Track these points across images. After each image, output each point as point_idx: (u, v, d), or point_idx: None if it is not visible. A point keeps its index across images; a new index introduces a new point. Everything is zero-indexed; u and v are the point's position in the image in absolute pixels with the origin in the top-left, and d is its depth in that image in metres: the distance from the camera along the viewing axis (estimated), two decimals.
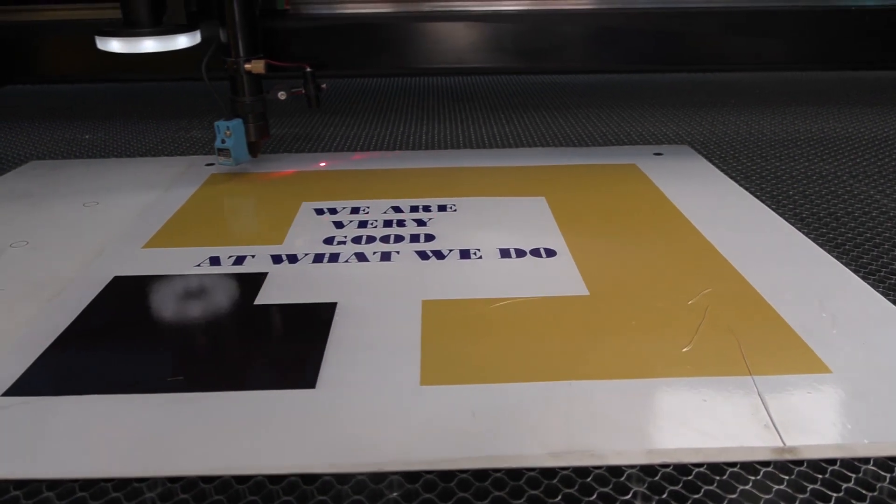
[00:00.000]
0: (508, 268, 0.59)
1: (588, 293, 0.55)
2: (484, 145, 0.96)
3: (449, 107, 1.20)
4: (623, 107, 1.17)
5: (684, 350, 0.47)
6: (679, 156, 0.90)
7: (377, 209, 0.72)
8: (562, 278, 0.57)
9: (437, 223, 0.69)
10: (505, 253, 0.62)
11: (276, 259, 0.61)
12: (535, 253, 0.62)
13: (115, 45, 0.77)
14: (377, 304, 0.53)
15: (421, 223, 0.69)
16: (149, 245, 0.65)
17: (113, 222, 0.70)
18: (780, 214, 0.70)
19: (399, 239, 0.65)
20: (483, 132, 1.03)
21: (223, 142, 0.81)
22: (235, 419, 0.41)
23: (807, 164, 0.88)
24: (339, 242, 0.64)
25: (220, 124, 0.81)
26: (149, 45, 0.77)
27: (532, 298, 0.54)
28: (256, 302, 0.54)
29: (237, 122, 0.82)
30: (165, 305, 0.54)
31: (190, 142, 1.00)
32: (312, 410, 0.41)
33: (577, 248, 0.63)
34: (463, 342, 0.48)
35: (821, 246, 0.63)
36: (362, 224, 0.69)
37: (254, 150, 0.85)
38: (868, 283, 0.56)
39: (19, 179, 0.85)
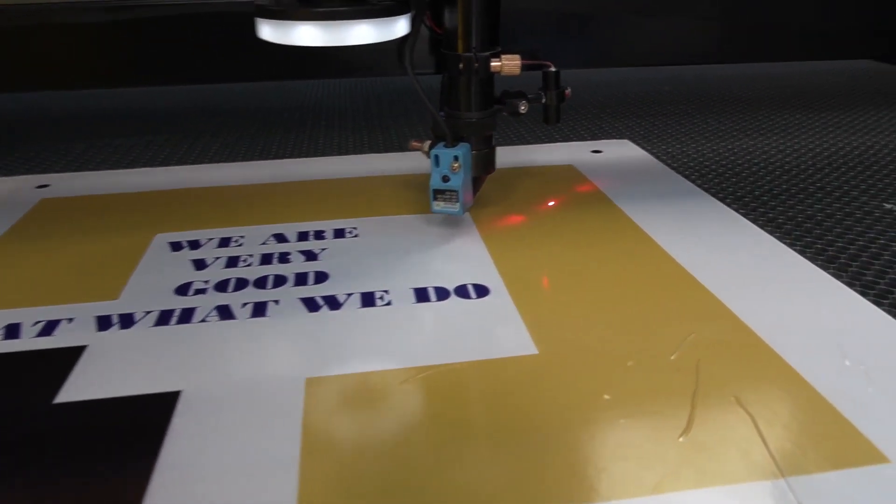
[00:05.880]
0: (428, 316, 0.44)
1: (537, 351, 0.40)
2: (375, 149, 0.81)
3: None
4: None
5: (680, 440, 0.33)
6: (621, 151, 0.77)
7: (254, 239, 0.56)
8: (501, 329, 0.42)
9: (332, 255, 0.53)
10: (422, 295, 0.46)
11: (104, 323, 0.44)
12: (462, 292, 0.47)
13: (305, 35, 0.46)
14: (239, 392, 0.37)
15: (311, 256, 0.52)
16: None
17: None
18: (752, 220, 0.58)
19: (280, 281, 0.49)
20: (386, 134, 0.87)
21: (445, 179, 0.52)
22: None
23: (765, 156, 0.77)
24: (198, 291, 0.47)
25: (443, 153, 0.51)
26: (362, 33, 0.47)
27: (459, 364, 0.39)
28: (58, 399, 0.37)
29: (465, 149, 0.53)
30: None
31: (18, 161, 0.80)
32: None
33: (514, 280, 0.48)
34: (366, 452, 0.33)
35: (810, 261, 0.51)
36: (232, 262, 0.52)
37: (473, 189, 0.57)
38: (884, 311, 0.44)
39: None
